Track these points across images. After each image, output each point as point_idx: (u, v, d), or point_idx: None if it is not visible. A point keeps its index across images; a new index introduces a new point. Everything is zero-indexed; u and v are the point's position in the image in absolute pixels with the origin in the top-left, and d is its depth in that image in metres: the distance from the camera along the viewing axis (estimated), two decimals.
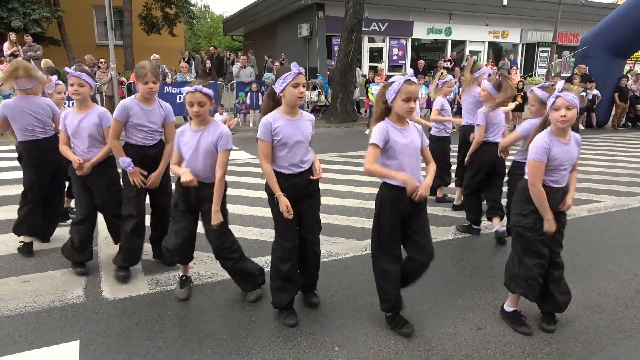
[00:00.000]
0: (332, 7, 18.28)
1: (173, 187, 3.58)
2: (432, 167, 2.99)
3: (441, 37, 21.43)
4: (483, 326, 3.16)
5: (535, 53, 23.97)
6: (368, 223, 5.10)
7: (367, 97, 12.87)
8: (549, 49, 21.98)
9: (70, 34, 18.15)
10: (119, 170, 3.72)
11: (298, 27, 19.39)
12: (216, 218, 3.13)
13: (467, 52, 21.23)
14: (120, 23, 18.58)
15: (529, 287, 3.01)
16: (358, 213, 5.49)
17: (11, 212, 5.07)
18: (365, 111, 13.64)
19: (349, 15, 13.27)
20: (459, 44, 21.95)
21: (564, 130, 2.88)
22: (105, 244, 4.44)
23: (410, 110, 2.78)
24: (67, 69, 3.65)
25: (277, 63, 13.99)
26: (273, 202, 3.02)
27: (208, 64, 14.40)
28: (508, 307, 3.21)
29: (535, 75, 22.81)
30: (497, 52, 22.96)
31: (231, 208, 5.52)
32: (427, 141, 3.01)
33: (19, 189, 4.20)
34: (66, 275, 3.76)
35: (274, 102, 3.05)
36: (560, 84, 2.89)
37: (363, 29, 14.81)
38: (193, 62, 17.63)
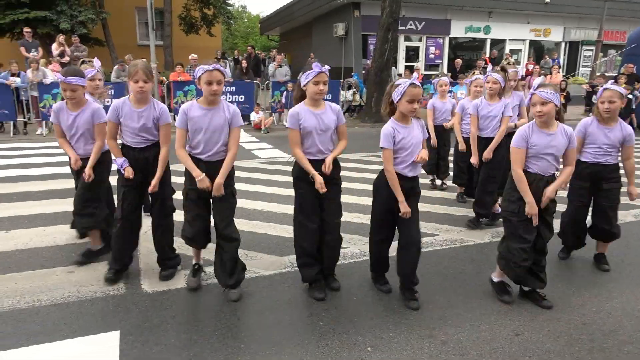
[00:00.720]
0: (368, 6, 18.19)
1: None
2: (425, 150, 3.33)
3: (480, 35, 20.97)
4: (521, 332, 3.07)
5: (579, 52, 23.12)
6: None
7: None
8: (593, 47, 21.17)
9: (113, 35, 18.77)
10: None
11: (334, 26, 19.39)
12: (218, 190, 3.26)
13: (507, 51, 20.69)
14: (160, 24, 19.06)
15: (509, 268, 3.32)
16: None
17: (59, 206, 5.30)
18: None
19: (385, 14, 13.17)
20: (498, 43, 21.42)
21: (545, 123, 3.16)
22: (144, 238, 4.57)
23: (413, 110, 3.15)
24: (57, 74, 3.65)
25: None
26: (298, 186, 3.37)
27: (244, 63, 14.60)
28: (495, 278, 3.56)
29: (578, 75, 22.00)
30: (538, 50, 22.27)
31: (265, 206, 5.62)
32: (426, 134, 3.37)
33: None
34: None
35: (302, 91, 3.32)
36: (537, 81, 3.15)
37: (399, 27, 14.68)
38: (227, 62, 17.88)
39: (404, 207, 3.24)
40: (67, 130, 3.76)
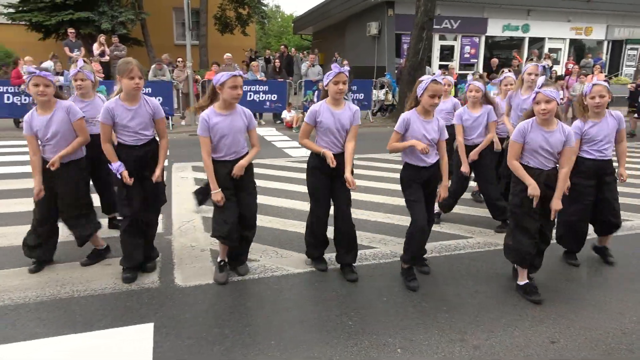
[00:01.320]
0: (402, 5, 18.01)
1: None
2: (445, 162, 3.62)
3: (518, 34, 20.45)
4: (557, 339, 2.98)
5: (623, 51, 22.20)
6: (436, 225, 5.00)
7: None
8: (638, 46, 20.29)
9: (151, 35, 19.27)
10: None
11: (367, 25, 19.29)
12: (240, 170, 3.50)
13: (546, 50, 20.10)
14: (196, 24, 19.44)
15: (519, 257, 3.47)
16: None
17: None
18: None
19: (420, 13, 13.01)
20: (536, 42, 20.82)
21: (547, 121, 3.28)
22: (178, 233, 4.68)
23: (434, 104, 3.42)
24: (29, 68, 3.51)
25: (345, 61, 14.01)
26: (310, 174, 3.73)
27: (277, 62, 14.71)
28: (520, 282, 3.59)
29: (621, 75, 21.14)
30: (579, 49, 21.52)
31: (297, 204, 5.65)
32: (445, 135, 3.58)
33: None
34: None
35: (325, 91, 3.64)
36: (540, 80, 3.26)
37: (434, 26, 14.47)
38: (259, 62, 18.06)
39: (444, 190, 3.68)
40: (41, 136, 3.53)
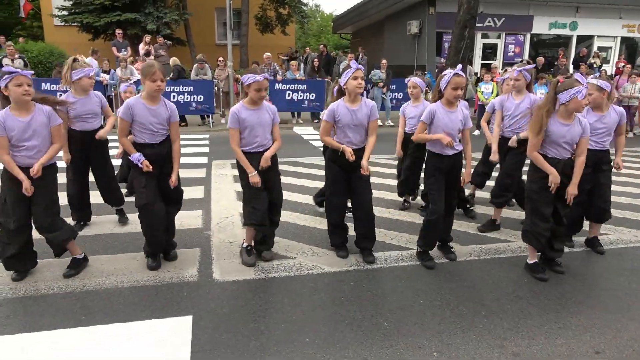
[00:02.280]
0: (444, 3, 17.68)
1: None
2: (469, 150, 3.94)
3: (565, 32, 19.67)
4: (602, 350, 2.86)
5: None
6: (473, 228, 4.90)
7: (477, 96, 12.27)
8: None
9: (194, 35, 19.72)
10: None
11: (407, 24, 19.05)
12: (266, 161, 3.73)
13: (595, 48, 19.26)
14: (238, 24, 19.75)
15: (535, 240, 3.72)
16: (467, 218, 5.27)
17: None
18: (475, 111, 13.01)
19: (462, 10, 12.73)
20: (585, 40, 19.98)
21: (570, 115, 3.53)
22: (217, 229, 4.78)
23: (457, 96, 3.72)
24: (9, 67, 3.32)
25: (384, 61, 13.88)
26: (328, 166, 4.03)
27: (316, 61, 14.76)
28: (529, 260, 3.90)
29: None
30: (630, 48, 20.50)
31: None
32: (469, 124, 3.89)
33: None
34: (182, 255, 4.11)
35: (340, 92, 3.91)
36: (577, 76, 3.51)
37: (477, 24, 14.13)
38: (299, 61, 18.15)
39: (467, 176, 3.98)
40: (18, 139, 3.32)
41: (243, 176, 3.80)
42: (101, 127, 4.54)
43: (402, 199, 5.61)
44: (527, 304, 3.39)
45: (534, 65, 4.64)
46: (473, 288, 3.62)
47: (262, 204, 3.78)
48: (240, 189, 4.01)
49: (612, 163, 4.27)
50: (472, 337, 2.96)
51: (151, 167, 3.61)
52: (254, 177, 3.70)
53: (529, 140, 3.67)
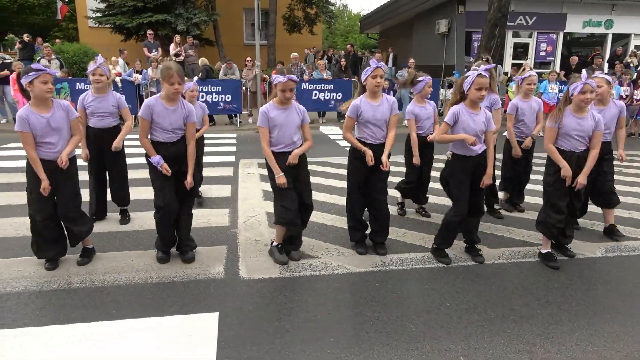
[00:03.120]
0: (473, 2, 17.38)
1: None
2: (491, 152, 3.89)
3: (600, 30, 19.06)
4: (635, 359, 2.76)
5: None
6: (502, 230, 4.80)
7: (507, 96, 12.02)
8: None
9: (222, 35, 19.97)
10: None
11: (436, 23, 18.83)
12: (295, 158, 3.75)
13: (632, 47, 18.60)
14: (265, 24, 19.91)
15: (548, 230, 3.97)
16: (495, 220, 5.17)
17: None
18: (505, 111, 12.75)
19: (493, 9, 12.52)
20: (621, 38, 19.32)
21: (582, 109, 3.76)
22: (244, 227, 4.82)
23: (481, 97, 3.70)
24: (38, 65, 3.44)
25: (411, 60, 13.75)
26: (350, 163, 4.05)
27: (343, 61, 14.73)
28: (542, 250, 4.11)
29: None
30: None
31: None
32: (492, 127, 3.88)
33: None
34: (209, 252, 4.17)
35: (363, 88, 3.95)
36: (584, 73, 3.78)
37: (508, 23, 13.85)
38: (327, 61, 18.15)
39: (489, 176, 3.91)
40: (41, 135, 3.47)
41: (272, 176, 3.82)
42: (118, 126, 4.68)
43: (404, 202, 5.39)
44: (557, 309, 3.30)
45: (495, 65, 4.65)
46: (501, 292, 3.55)
47: (293, 203, 3.82)
48: (267, 188, 4.06)
49: (614, 153, 4.64)
50: (500, 342, 2.91)
51: (170, 171, 3.68)
52: (280, 179, 3.73)
53: (545, 131, 3.85)
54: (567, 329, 3.07)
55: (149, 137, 3.73)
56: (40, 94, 3.43)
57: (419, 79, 4.91)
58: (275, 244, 4.06)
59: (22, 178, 3.64)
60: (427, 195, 5.30)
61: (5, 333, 2.92)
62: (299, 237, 4.12)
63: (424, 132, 4.94)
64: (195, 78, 4.74)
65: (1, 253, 4.08)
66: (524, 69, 5.38)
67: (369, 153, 3.80)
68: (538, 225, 4.08)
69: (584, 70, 3.90)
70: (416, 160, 4.89)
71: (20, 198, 4.89)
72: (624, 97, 10.70)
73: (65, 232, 3.85)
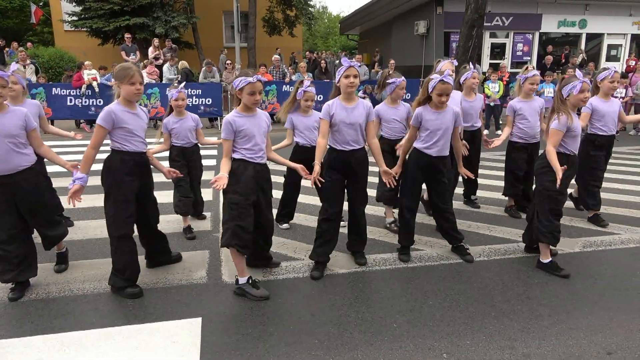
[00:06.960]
0: (451, 3, 17.60)
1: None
2: (459, 145, 4.07)
3: (574, 30, 19.49)
4: (614, 351, 2.83)
5: None
6: (483, 228, 4.87)
7: (484, 94, 12.19)
8: None
9: (202, 38, 19.83)
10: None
11: (415, 24, 19.01)
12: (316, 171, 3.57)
13: (605, 46, 19.06)
14: (245, 26, 19.84)
15: (554, 237, 3.79)
16: (477, 218, 5.24)
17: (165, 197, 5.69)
18: (483, 110, 12.94)
19: (470, 10, 12.67)
20: (594, 38, 19.79)
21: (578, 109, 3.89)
22: None
23: (442, 102, 3.74)
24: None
25: (392, 61, 13.86)
26: (327, 174, 3.71)
27: (323, 63, 14.77)
28: (544, 260, 3.91)
29: None
30: None
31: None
32: (460, 123, 3.96)
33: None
34: (192, 258, 4.13)
35: (338, 89, 3.71)
36: (578, 73, 3.77)
37: (485, 23, 14.06)
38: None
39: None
40: None
41: (231, 188, 3.40)
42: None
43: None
44: (537, 304, 3.36)
45: (474, 70, 5.02)
46: (483, 289, 3.60)
47: (250, 225, 3.41)
48: None
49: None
50: (482, 339, 2.95)
51: (80, 198, 3.28)
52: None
53: (551, 134, 3.73)
54: (547, 323, 3.12)
55: (96, 149, 3.28)
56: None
57: (389, 80, 4.55)
58: (243, 280, 3.45)
59: None
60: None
61: None
62: (267, 251, 3.89)
63: (390, 135, 4.64)
64: (176, 83, 4.47)
65: None
66: (527, 68, 5.13)
67: (316, 169, 3.52)
68: (544, 237, 3.79)
69: (577, 70, 3.93)
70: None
71: None
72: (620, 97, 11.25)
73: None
